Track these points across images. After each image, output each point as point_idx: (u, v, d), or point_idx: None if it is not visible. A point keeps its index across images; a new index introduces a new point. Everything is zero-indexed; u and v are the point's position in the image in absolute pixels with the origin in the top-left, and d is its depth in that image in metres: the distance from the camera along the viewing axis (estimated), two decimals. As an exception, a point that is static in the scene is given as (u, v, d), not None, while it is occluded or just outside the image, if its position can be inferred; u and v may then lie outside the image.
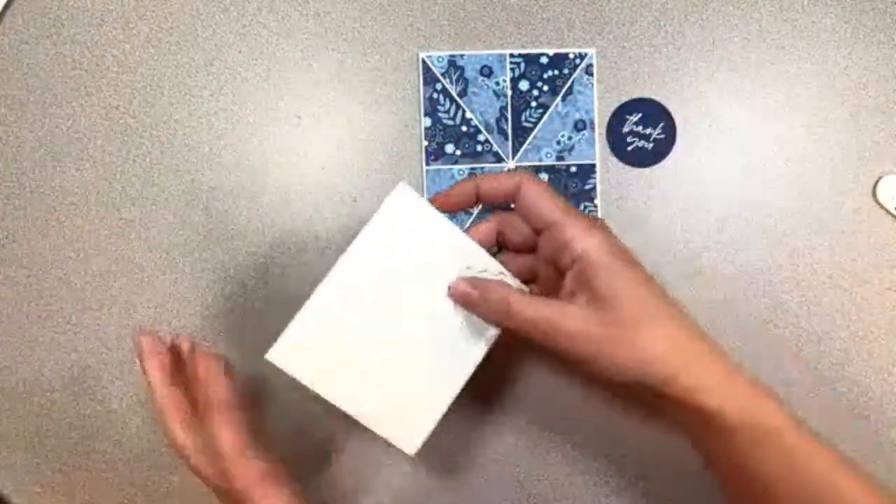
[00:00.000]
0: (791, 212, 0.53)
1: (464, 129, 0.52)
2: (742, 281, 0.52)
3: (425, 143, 0.52)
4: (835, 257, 0.52)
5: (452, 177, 0.52)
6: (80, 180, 0.51)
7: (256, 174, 0.51)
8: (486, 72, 0.52)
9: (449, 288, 0.41)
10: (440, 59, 0.52)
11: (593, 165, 0.52)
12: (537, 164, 0.52)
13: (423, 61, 0.52)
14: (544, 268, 0.43)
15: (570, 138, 0.52)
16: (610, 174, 0.52)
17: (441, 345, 0.42)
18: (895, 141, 0.53)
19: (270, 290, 0.51)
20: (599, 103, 0.52)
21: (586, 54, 0.52)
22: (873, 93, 0.53)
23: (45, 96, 0.51)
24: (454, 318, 0.42)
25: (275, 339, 0.41)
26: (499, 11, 0.52)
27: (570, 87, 0.52)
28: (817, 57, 0.53)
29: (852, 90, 0.53)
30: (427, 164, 0.52)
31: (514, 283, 0.42)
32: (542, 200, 0.41)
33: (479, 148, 0.52)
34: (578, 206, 0.52)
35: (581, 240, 0.39)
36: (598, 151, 0.52)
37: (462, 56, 0.52)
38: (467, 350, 0.42)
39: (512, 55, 0.52)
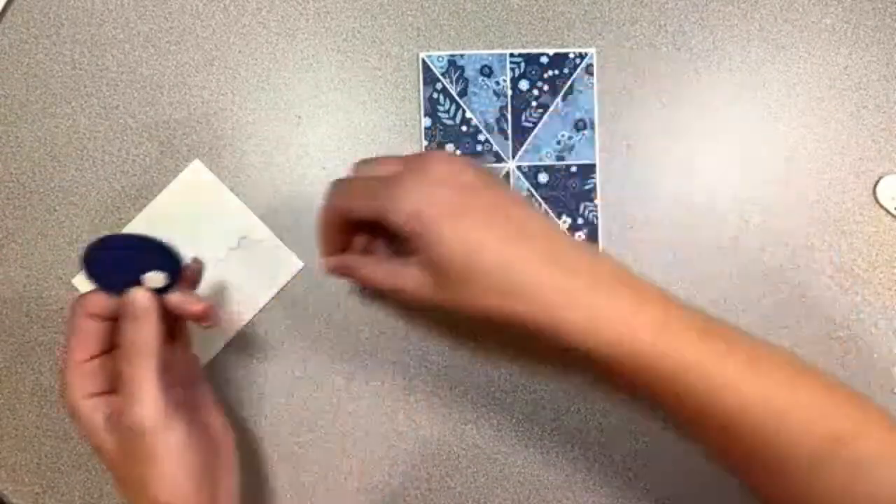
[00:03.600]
0: (791, 212, 0.53)
1: (464, 128, 0.52)
2: (742, 281, 0.52)
3: (425, 143, 0.52)
4: (835, 257, 0.52)
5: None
6: (80, 180, 0.51)
7: (256, 174, 0.51)
8: (486, 72, 0.52)
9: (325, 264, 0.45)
10: (440, 59, 0.52)
11: (593, 165, 0.52)
12: (537, 163, 0.52)
13: (423, 61, 0.52)
14: None
15: (570, 138, 0.52)
16: (610, 174, 0.52)
17: (216, 300, 0.50)
18: (895, 141, 0.53)
19: (270, 290, 0.51)
20: (599, 103, 0.52)
21: (586, 54, 0.52)
22: (873, 93, 0.53)
23: (45, 96, 0.51)
24: (229, 279, 0.51)
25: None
26: (499, 11, 0.52)
27: (570, 87, 0.52)
28: (817, 57, 0.53)
29: (852, 90, 0.53)
30: (427, 164, 0.52)
31: (290, 254, 0.50)
32: (358, 203, 0.40)
33: (479, 148, 0.52)
34: (578, 207, 0.52)
35: (398, 212, 0.38)
36: (598, 151, 0.52)
37: (462, 56, 0.52)
38: (237, 309, 0.51)
39: (512, 55, 0.52)
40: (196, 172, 0.51)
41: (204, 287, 0.50)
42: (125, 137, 0.51)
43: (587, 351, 0.37)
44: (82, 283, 0.50)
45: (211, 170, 0.51)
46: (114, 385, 0.40)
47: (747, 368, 0.37)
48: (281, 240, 0.51)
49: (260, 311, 0.51)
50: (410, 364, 0.52)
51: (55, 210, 0.51)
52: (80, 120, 0.51)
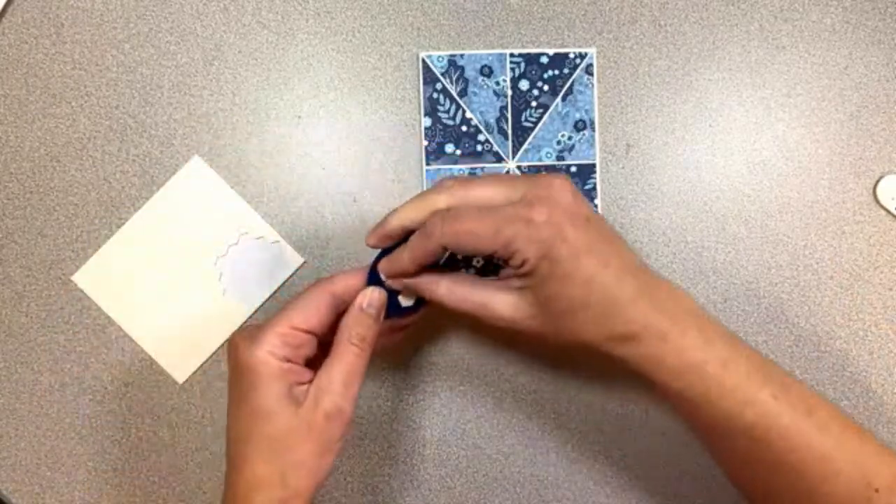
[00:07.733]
0: (791, 212, 0.53)
1: (464, 128, 0.52)
2: (742, 281, 0.52)
3: (425, 142, 0.52)
4: (835, 257, 0.52)
5: (452, 177, 0.52)
6: (80, 180, 0.51)
7: (256, 174, 0.51)
8: (486, 72, 0.52)
9: (383, 283, 0.42)
10: (440, 59, 0.52)
11: (593, 165, 0.52)
12: (537, 164, 0.52)
13: (423, 61, 0.52)
14: None
15: (570, 138, 0.52)
16: (610, 174, 0.52)
17: (215, 295, 0.51)
18: (895, 141, 0.53)
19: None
20: (599, 103, 0.52)
21: (586, 54, 0.52)
22: (873, 93, 0.53)
23: (45, 96, 0.51)
24: (229, 275, 0.51)
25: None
26: (499, 11, 0.52)
27: (570, 87, 0.52)
28: (817, 57, 0.53)
29: (852, 90, 0.53)
30: (427, 164, 0.52)
31: (291, 250, 0.51)
32: (474, 241, 0.38)
33: (479, 148, 0.52)
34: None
35: (527, 250, 0.37)
36: (598, 151, 0.52)
37: (462, 56, 0.52)
38: (236, 305, 0.51)
39: (512, 55, 0.52)
40: (195, 168, 0.51)
41: (204, 284, 0.50)
42: (125, 137, 0.51)
43: (656, 381, 0.39)
44: (81, 279, 0.50)
45: (211, 169, 0.51)
46: (304, 363, 0.41)
47: (805, 415, 0.39)
48: (281, 238, 0.51)
49: (260, 307, 0.51)
50: (411, 364, 0.52)
51: (55, 210, 0.51)
52: (80, 120, 0.51)
